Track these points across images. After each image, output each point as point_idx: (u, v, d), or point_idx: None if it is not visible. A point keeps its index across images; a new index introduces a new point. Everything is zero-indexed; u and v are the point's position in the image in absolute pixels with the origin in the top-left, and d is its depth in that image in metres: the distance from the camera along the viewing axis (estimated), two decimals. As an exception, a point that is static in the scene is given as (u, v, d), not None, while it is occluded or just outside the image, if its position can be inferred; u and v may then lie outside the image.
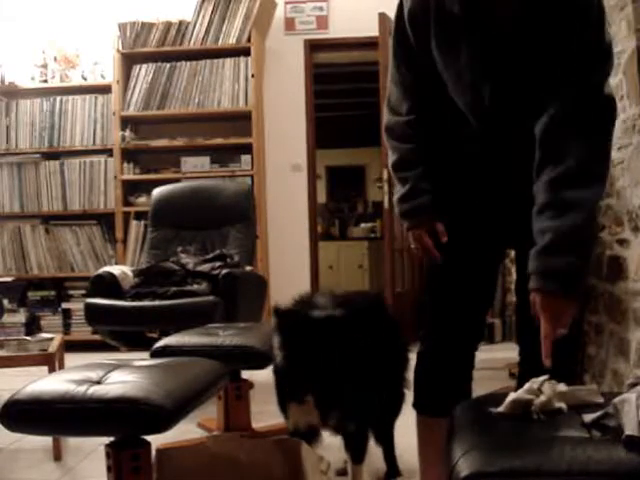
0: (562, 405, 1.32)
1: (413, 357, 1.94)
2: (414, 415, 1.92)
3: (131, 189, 5.24)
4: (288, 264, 5.36)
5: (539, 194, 1.54)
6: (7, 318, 4.59)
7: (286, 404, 1.98)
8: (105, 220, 5.20)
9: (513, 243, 1.87)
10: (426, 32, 1.66)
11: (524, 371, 1.86)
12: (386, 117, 1.85)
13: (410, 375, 2.05)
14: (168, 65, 5.14)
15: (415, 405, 1.93)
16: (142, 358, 2.03)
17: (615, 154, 2.74)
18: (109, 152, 5.18)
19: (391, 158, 1.84)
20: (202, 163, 5.12)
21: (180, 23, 5.12)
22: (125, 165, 5.16)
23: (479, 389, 1.90)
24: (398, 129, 1.80)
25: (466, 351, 1.88)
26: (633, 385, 1.31)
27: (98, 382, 1.67)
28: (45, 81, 5.35)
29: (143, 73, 5.16)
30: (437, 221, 1.77)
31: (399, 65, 1.78)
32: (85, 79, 5.36)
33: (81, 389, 1.61)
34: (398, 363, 2.27)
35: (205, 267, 3.72)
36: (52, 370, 2.73)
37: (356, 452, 2.07)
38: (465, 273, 1.83)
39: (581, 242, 1.51)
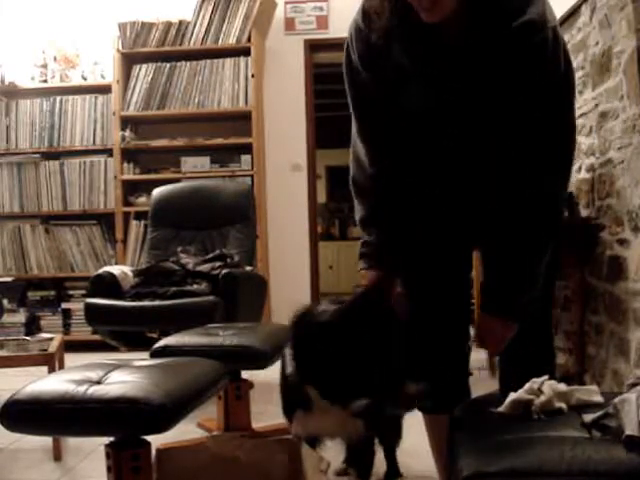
0: (562, 405, 1.32)
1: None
2: (413, 416, 1.93)
3: (131, 189, 5.24)
4: (288, 264, 5.36)
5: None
6: (7, 318, 4.58)
7: (293, 411, 1.91)
8: (105, 220, 5.20)
9: (478, 243, 1.89)
10: (380, 75, 1.65)
11: (504, 371, 1.92)
12: (352, 170, 1.85)
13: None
14: (168, 65, 5.14)
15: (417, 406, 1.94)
16: (142, 358, 2.03)
17: (615, 154, 2.74)
18: (109, 152, 5.18)
19: (358, 214, 1.86)
20: (202, 163, 5.12)
21: (180, 23, 5.12)
22: (125, 165, 5.16)
23: (479, 389, 1.91)
24: (362, 183, 1.81)
25: (455, 352, 1.89)
26: (633, 385, 1.31)
27: (98, 382, 1.67)
28: (45, 81, 5.35)
29: (143, 73, 5.16)
30: (392, 279, 1.79)
31: (359, 116, 1.77)
32: (85, 79, 5.36)
33: (81, 389, 1.60)
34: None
35: (205, 267, 3.71)
36: (52, 370, 2.73)
37: (364, 468, 1.94)
38: (438, 280, 1.85)
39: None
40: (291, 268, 5.36)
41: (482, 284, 1.86)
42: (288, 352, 1.76)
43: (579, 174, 3.29)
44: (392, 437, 2.33)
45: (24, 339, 3.20)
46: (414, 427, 1.93)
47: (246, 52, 5.06)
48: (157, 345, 2.50)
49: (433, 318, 1.85)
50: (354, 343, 1.60)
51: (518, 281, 1.65)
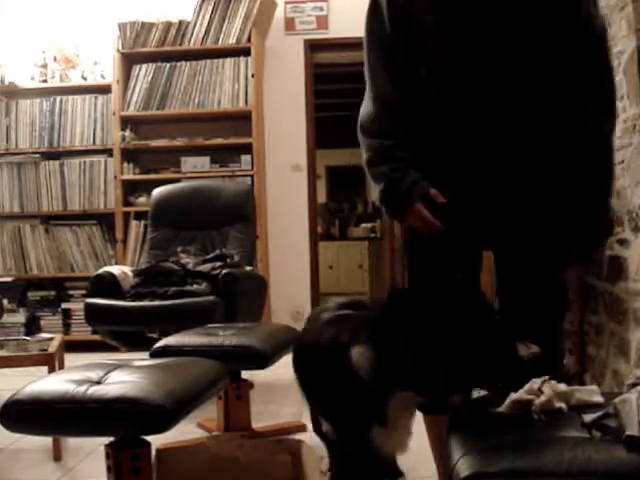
0: (562, 405, 1.32)
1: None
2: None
3: (131, 189, 5.24)
4: (288, 264, 5.36)
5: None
6: (7, 318, 4.59)
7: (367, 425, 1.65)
8: (105, 220, 5.19)
9: (492, 244, 1.85)
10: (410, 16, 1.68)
11: None
12: (366, 110, 1.82)
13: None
14: (168, 65, 5.14)
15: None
16: (142, 358, 2.03)
17: (615, 154, 2.74)
18: (109, 152, 5.18)
19: (366, 155, 1.80)
20: (202, 163, 5.12)
21: (180, 23, 5.12)
22: (125, 165, 5.16)
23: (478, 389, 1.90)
24: (377, 122, 1.77)
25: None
26: (633, 385, 1.31)
27: (98, 382, 1.67)
28: (45, 81, 5.34)
29: (143, 73, 5.16)
30: (428, 187, 1.72)
31: (388, 51, 1.78)
32: (85, 79, 5.35)
33: (81, 389, 1.61)
34: None
35: (205, 267, 3.71)
36: (52, 370, 2.73)
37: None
38: (443, 275, 1.81)
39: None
40: (291, 268, 5.36)
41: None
42: (360, 353, 1.53)
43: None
44: None
45: (24, 339, 3.20)
46: (415, 427, 1.92)
47: (246, 52, 5.06)
48: (157, 345, 2.51)
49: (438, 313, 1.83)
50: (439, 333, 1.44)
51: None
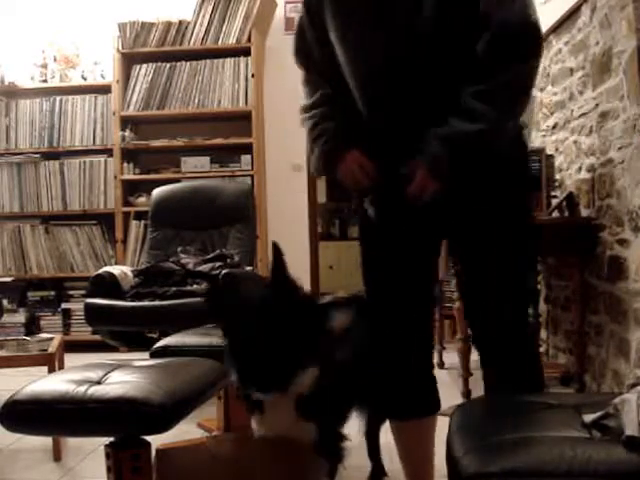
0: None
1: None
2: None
3: (131, 189, 5.24)
4: (288, 264, 5.34)
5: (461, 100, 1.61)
6: (7, 318, 4.59)
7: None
8: (105, 220, 5.19)
9: (448, 233, 1.86)
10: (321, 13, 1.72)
11: (480, 349, 1.83)
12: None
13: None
14: (168, 65, 5.14)
15: (383, 411, 1.93)
16: (142, 358, 2.03)
17: (615, 154, 2.74)
18: (109, 152, 5.18)
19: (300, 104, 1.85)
20: (202, 163, 5.12)
21: (180, 23, 5.12)
22: (125, 165, 5.16)
23: (479, 389, 1.90)
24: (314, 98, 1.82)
25: (415, 351, 1.86)
26: (633, 385, 1.31)
27: (98, 382, 1.67)
28: (45, 81, 5.34)
29: (143, 73, 5.16)
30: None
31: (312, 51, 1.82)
32: (85, 79, 5.35)
33: (81, 389, 1.61)
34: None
35: (205, 267, 3.71)
36: (52, 370, 2.73)
37: (331, 459, 1.86)
38: (398, 267, 1.83)
39: (467, 147, 1.60)
40: (291, 268, 5.33)
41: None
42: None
43: (579, 174, 3.29)
44: (377, 433, 2.30)
45: (24, 339, 3.20)
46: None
47: (246, 52, 5.06)
48: (157, 345, 2.50)
49: (393, 315, 1.82)
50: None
51: (459, 144, 1.59)
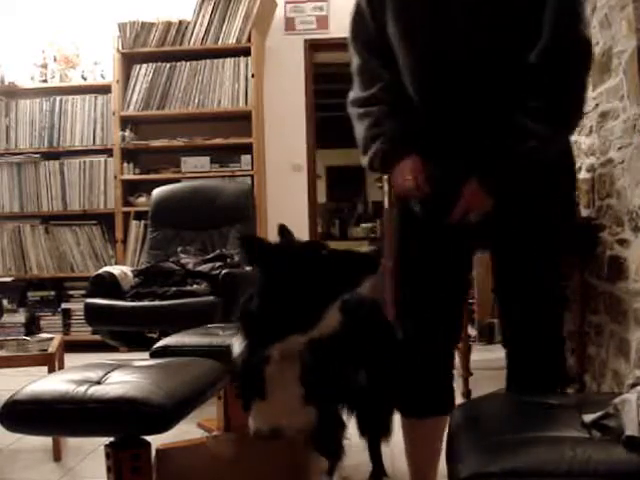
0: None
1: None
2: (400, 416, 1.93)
3: (131, 189, 5.24)
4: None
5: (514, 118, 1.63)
6: (7, 318, 4.59)
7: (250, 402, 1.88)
8: (105, 220, 5.19)
9: (490, 246, 1.88)
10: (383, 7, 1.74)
11: (512, 372, 1.87)
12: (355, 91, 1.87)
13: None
14: (168, 65, 5.13)
15: (398, 408, 1.93)
16: (142, 358, 2.03)
17: (615, 154, 2.74)
18: (109, 152, 5.18)
19: (355, 95, 1.86)
20: (202, 163, 5.12)
21: (180, 23, 5.12)
22: (125, 165, 5.16)
23: (479, 389, 1.91)
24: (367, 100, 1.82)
25: (441, 352, 1.88)
26: (633, 385, 1.31)
27: (98, 382, 1.67)
28: (45, 81, 5.34)
29: (143, 73, 5.16)
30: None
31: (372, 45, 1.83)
32: (85, 79, 5.35)
33: (81, 389, 1.60)
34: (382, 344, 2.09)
35: (205, 267, 3.72)
36: (52, 370, 2.73)
37: (331, 456, 1.91)
38: (434, 272, 1.83)
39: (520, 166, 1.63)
40: (291, 268, 5.35)
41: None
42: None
43: (579, 174, 3.29)
44: (378, 433, 2.30)
45: (24, 339, 3.20)
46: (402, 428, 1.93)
47: (246, 52, 5.06)
48: (157, 345, 2.50)
49: (423, 321, 1.84)
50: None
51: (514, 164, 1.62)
